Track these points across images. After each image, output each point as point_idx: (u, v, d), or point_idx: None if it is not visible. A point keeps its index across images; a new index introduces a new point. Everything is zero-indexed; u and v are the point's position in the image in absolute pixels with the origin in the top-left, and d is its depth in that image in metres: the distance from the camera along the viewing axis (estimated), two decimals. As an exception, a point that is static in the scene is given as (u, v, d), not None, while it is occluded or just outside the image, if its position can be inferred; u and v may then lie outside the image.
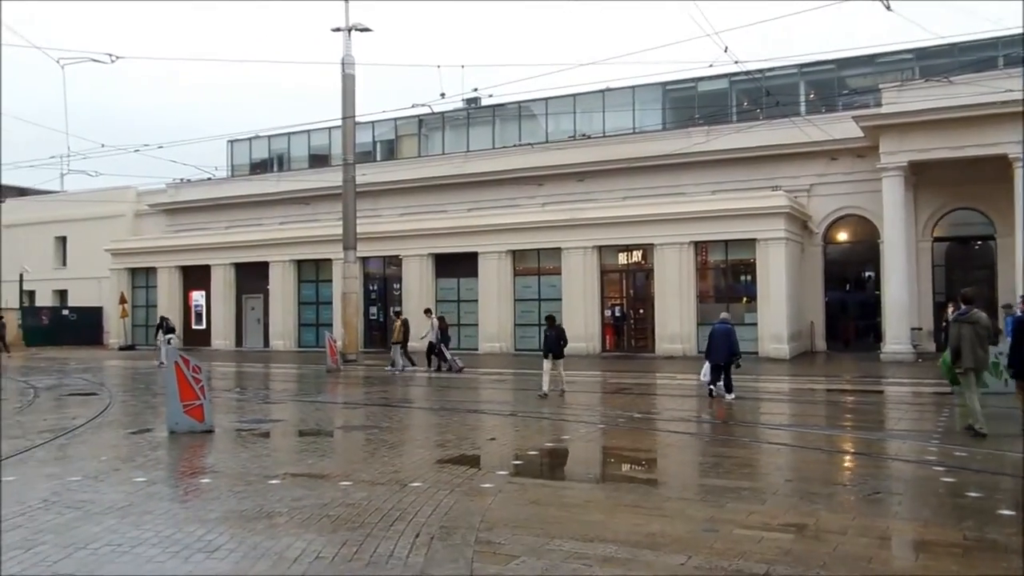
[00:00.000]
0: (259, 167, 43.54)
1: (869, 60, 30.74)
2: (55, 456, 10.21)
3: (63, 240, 46.76)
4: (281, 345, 35.09)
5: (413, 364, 23.74)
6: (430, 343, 23.84)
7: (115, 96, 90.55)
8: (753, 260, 27.21)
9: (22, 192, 55.55)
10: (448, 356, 23.46)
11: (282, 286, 35.56)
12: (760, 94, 30.36)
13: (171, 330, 28.07)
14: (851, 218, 29.53)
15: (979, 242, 27.98)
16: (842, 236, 30.13)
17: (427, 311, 25.76)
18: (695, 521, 7.02)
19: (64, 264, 46.72)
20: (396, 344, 23.70)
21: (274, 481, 8.50)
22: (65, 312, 43.36)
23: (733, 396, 15.78)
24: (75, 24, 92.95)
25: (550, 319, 17.83)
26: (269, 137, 42.57)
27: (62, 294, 46.34)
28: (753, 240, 26.99)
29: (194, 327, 37.82)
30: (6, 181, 56.37)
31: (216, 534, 6.49)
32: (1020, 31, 25.64)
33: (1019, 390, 11.73)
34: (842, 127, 27.39)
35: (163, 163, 76.55)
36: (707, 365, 16.31)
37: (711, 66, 22.05)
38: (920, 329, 26.64)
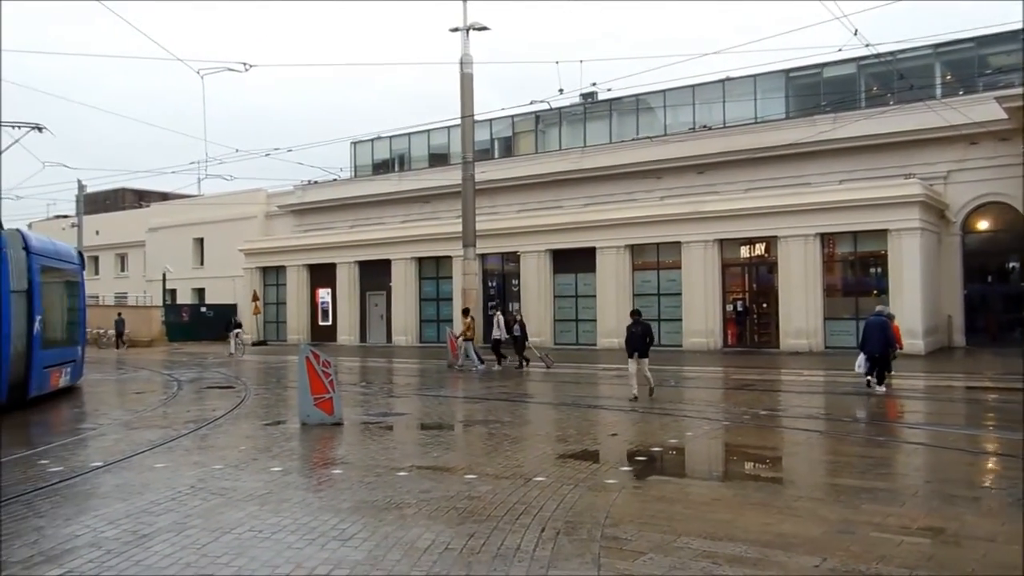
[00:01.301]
0: (381, 167, 44.76)
1: (1012, 36, 28.80)
2: (199, 445, 10.80)
3: (200, 241, 49.45)
4: (403, 340, 35.97)
5: (482, 362, 23.29)
6: (495, 340, 23.92)
7: (248, 102, 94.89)
8: (884, 252, 26.05)
9: (164, 197, 59.18)
10: (538, 352, 23.39)
11: (404, 283, 36.44)
12: (892, 77, 29.02)
13: (238, 325, 32.54)
14: (993, 206, 27.85)
15: None
16: (983, 225, 28.46)
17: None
18: (828, 522, 6.77)
19: (202, 264, 49.42)
20: (468, 341, 23.36)
21: (402, 473, 8.72)
22: (203, 309, 45.82)
23: (883, 390, 15.84)
24: (209, 35, 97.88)
25: (635, 314, 15.98)
26: (391, 138, 43.68)
27: (200, 292, 49.05)
28: (884, 231, 25.84)
29: (320, 323, 39.29)
30: (151, 187, 60.18)
31: (349, 523, 6.72)
32: None
33: None
34: (982, 109, 25.88)
35: (292, 166, 79.78)
36: (862, 356, 16.51)
37: (840, 50, 21.19)
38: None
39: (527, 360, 23.12)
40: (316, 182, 43.83)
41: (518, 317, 24.51)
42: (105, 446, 10.93)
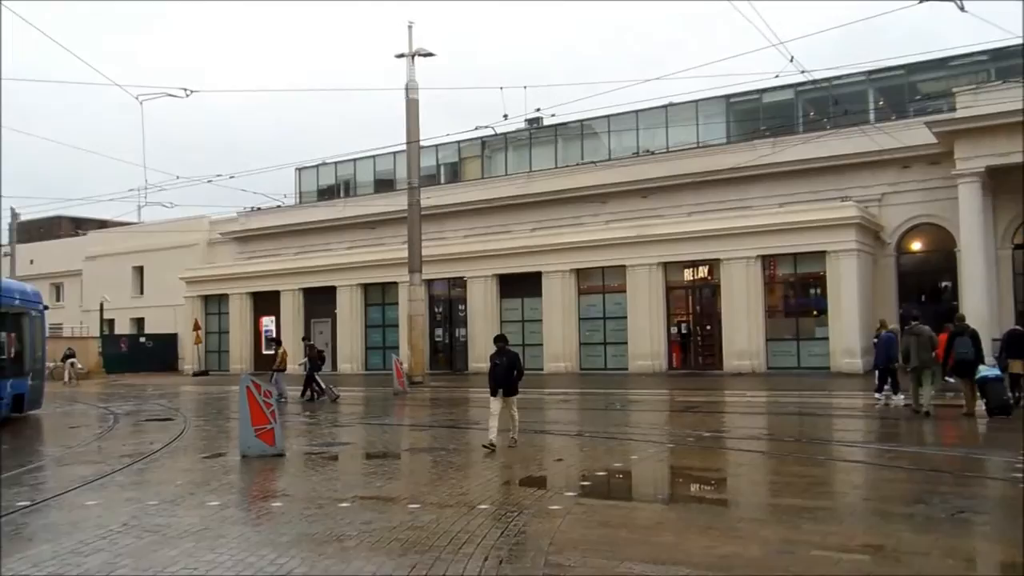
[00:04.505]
0: (326, 193, 44.43)
1: (941, 64, 29.86)
2: (133, 480, 10.48)
3: (140, 270, 48.38)
4: (349, 368, 35.58)
5: (319, 395, 22.13)
6: (307, 371, 22.73)
7: (189, 129, 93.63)
8: (823, 273, 26.63)
9: (103, 225, 57.78)
10: (322, 385, 22.20)
11: (349, 310, 36.11)
12: (827, 103, 29.80)
13: (72, 355, 35.34)
14: (925, 227, 28.67)
15: (1063, 248, 26.84)
16: (916, 246, 29.26)
17: (304, 339, 24.61)
18: (770, 543, 6.82)
19: (141, 293, 48.31)
20: (279, 371, 22.28)
21: (344, 504, 8.56)
22: (142, 340, 44.76)
23: (899, 399, 16.84)
24: (151, 61, 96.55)
25: (499, 340, 12.92)
26: (336, 163, 43.41)
27: (139, 322, 47.90)
28: (823, 252, 26.43)
29: (264, 352, 38.60)
30: (89, 214, 58.78)
31: (288, 557, 6.55)
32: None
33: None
34: (914, 134, 26.70)
35: (235, 192, 78.75)
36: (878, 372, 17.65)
37: (777, 76, 21.71)
38: (1000, 340, 25.60)
39: (316, 392, 22.03)
40: (260, 209, 43.27)
41: (317, 348, 23.71)
42: (33, 484, 10.53)
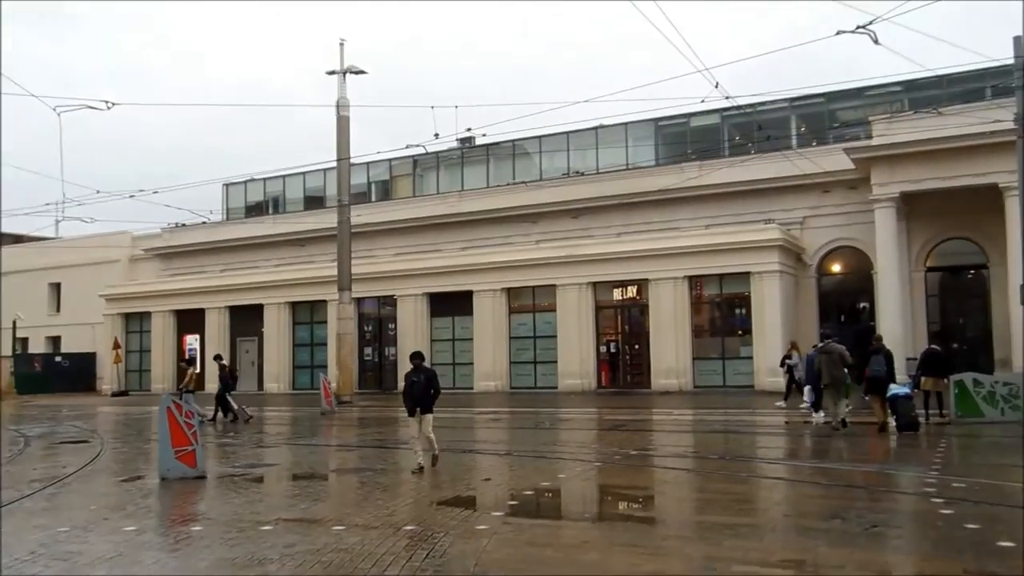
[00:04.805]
0: (254, 210, 43.70)
1: (858, 93, 31.05)
2: (44, 507, 10.06)
3: (57, 287, 46.72)
4: (276, 388, 34.96)
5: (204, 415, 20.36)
6: (218, 390, 21.88)
7: (111, 142, 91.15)
8: (748, 293, 27.27)
9: (17, 239, 55.58)
10: (234, 405, 21.30)
11: (277, 328, 35.52)
12: (752, 128, 30.63)
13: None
14: (845, 250, 29.61)
15: (972, 271, 28.05)
16: (836, 268, 30.20)
17: (216, 357, 23.71)
18: (693, 560, 6.92)
19: (58, 310, 46.63)
20: (189, 392, 20.89)
21: (266, 527, 8.36)
22: (58, 359, 43.17)
23: (822, 414, 17.12)
24: (71, 71, 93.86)
25: (416, 358, 12.37)
26: (264, 180, 42.76)
27: (55, 340, 46.18)
28: (747, 273, 27.08)
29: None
30: (2, 229, 56.52)
31: (205, 583, 6.38)
32: (1006, 63, 25.97)
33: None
34: (834, 159, 27.59)
35: (159, 207, 76.54)
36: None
37: (703, 101, 22.22)
38: (915, 359, 26.53)
39: (224, 413, 21.36)
40: (185, 225, 42.24)
41: (229, 367, 22.95)
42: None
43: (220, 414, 21.46)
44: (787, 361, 21.41)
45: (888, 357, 16.10)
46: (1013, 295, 20.87)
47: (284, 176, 41.61)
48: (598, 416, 21.30)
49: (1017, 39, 18.29)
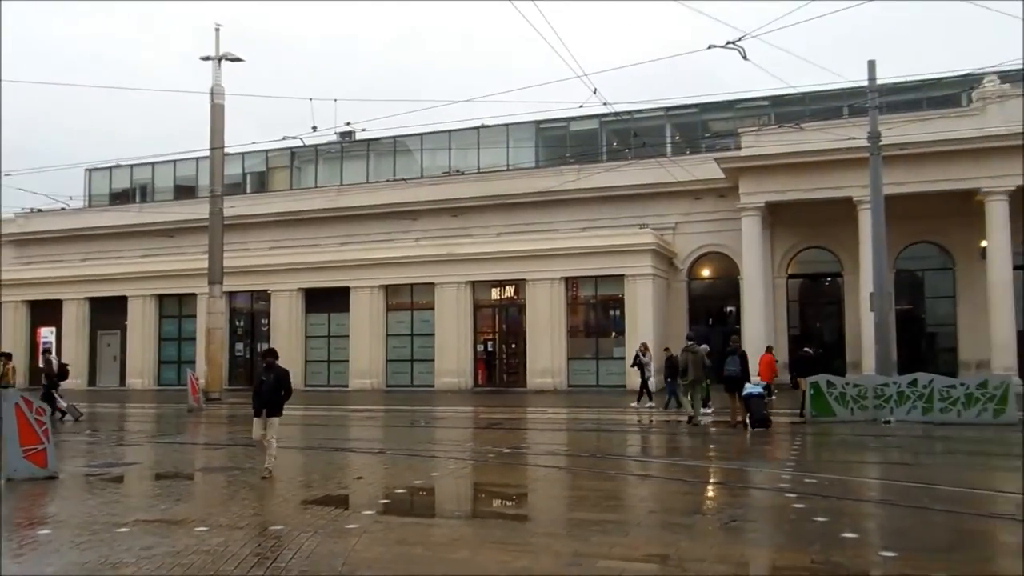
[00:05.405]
0: (120, 197, 41.65)
1: (729, 105, 32.39)
2: None
3: None
4: (139, 383, 33.47)
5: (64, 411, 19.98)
6: (44, 387, 20.48)
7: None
8: (622, 295, 27.99)
9: None
10: (63, 404, 19.99)
11: (142, 321, 33.99)
12: (629, 135, 31.45)
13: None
14: (713, 255, 30.81)
15: (828, 279, 29.74)
16: (705, 272, 31.37)
17: (44, 351, 22.05)
18: (561, 556, 7.04)
19: None
20: (7, 387, 18.63)
21: (123, 529, 7.99)
22: None
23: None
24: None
25: (268, 355, 11.80)
26: (132, 166, 40.84)
27: None
28: (622, 276, 27.80)
29: (41, 365, 35.47)
30: None
31: (53, 589, 6.04)
32: (862, 84, 27.69)
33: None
34: (705, 168, 28.66)
35: (13, 192, 72.00)
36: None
37: (581, 107, 22.64)
38: (778, 361, 27.92)
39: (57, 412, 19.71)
40: (42, 210, 39.87)
41: (60, 362, 21.75)
42: None
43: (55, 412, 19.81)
44: (640, 359, 21.99)
45: (743, 358, 17.28)
46: (864, 302, 22.27)
47: (153, 163, 39.89)
48: (474, 415, 21.39)
49: (871, 63, 19.58)
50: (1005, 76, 24.63)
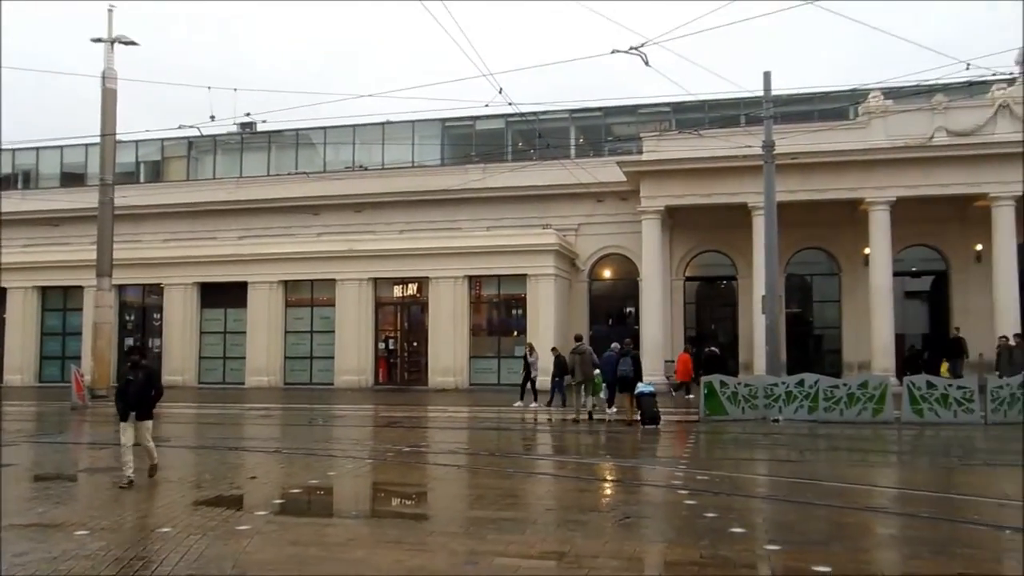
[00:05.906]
0: (1, 183, 39.39)
1: (632, 110, 32.96)
2: None
3: None
4: (18, 380, 31.77)
5: None
6: None
7: None
8: (524, 295, 28.18)
9: None
10: None
11: (22, 314, 32.29)
12: (533, 136, 31.68)
13: None
14: (614, 257, 31.33)
15: (724, 282, 30.65)
16: (606, 273, 31.88)
17: None
18: (457, 554, 7.04)
19: None
20: None
21: (-5, 534, 7.58)
22: None
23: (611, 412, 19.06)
24: None
25: (134, 352, 11.43)
26: (13, 151, 38.68)
27: None
28: (524, 276, 28.00)
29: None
30: None
31: (-85, 598, 5.68)
32: (758, 94, 28.68)
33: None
34: (607, 171, 29.10)
35: None
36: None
37: (487, 106, 22.67)
38: (672, 362, 28.59)
39: None
40: (-89, 195, 37.40)
41: None
42: None
43: None
44: (527, 359, 22.25)
45: (635, 359, 18.20)
46: (756, 305, 23.06)
47: (38, 148, 37.91)
48: (373, 413, 21.18)
49: (767, 74, 20.30)
50: (888, 92, 25.92)
